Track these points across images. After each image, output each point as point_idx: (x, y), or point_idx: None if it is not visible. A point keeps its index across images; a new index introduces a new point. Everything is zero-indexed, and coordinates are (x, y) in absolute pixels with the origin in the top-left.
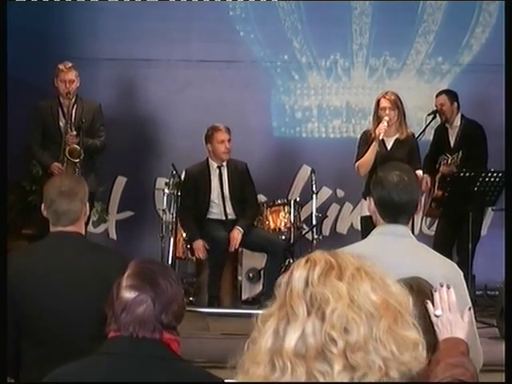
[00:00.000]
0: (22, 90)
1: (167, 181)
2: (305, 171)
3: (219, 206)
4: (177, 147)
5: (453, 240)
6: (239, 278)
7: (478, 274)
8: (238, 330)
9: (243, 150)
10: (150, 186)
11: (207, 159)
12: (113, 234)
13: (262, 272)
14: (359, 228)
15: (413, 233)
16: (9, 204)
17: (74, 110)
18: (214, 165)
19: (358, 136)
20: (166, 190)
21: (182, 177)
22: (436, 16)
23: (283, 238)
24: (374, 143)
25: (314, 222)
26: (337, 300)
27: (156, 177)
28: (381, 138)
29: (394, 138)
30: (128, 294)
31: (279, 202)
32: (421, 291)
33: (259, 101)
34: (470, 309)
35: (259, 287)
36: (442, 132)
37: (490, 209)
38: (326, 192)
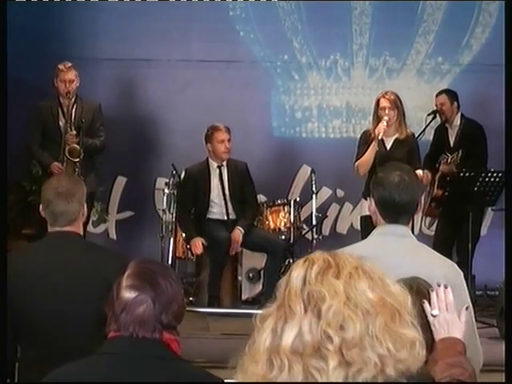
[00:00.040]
0: (22, 90)
1: (167, 181)
2: (305, 171)
3: (219, 206)
4: (177, 147)
5: (453, 240)
6: (239, 278)
7: (478, 274)
8: (238, 330)
9: (243, 149)
10: (150, 186)
11: (207, 159)
12: (113, 234)
13: (262, 272)
14: (359, 228)
15: (413, 233)
16: (9, 204)
17: (73, 110)
18: (213, 164)
19: (358, 136)
20: (166, 190)
21: (182, 176)
22: (436, 16)
23: (283, 238)
24: (373, 143)
25: (314, 222)
26: (333, 297)
27: (156, 177)
28: (380, 137)
29: (394, 138)
30: (128, 294)
31: (279, 202)
32: (420, 291)
33: (259, 101)
34: (466, 308)
35: (259, 287)
36: (441, 131)
37: (489, 209)
38: (325, 192)
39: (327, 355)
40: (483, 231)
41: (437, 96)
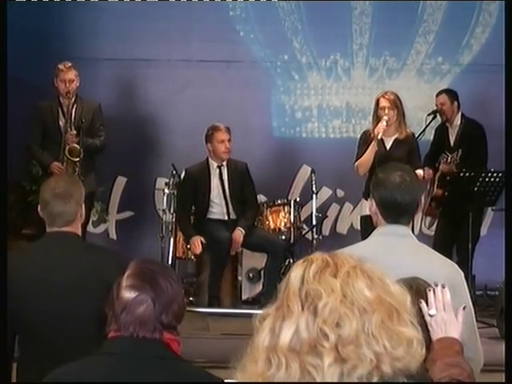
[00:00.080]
0: (22, 90)
1: (167, 181)
2: (305, 171)
3: (220, 206)
4: (177, 147)
5: (453, 240)
6: (239, 277)
7: (478, 274)
8: (238, 330)
9: (243, 149)
10: (150, 186)
11: (207, 159)
12: (113, 234)
13: (262, 272)
14: (359, 228)
15: (412, 233)
16: (9, 204)
17: (73, 110)
18: (214, 164)
19: (358, 136)
20: (166, 190)
21: (182, 176)
22: (436, 16)
23: (283, 238)
24: (372, 143)
25: (314, 222)
26: (329, 295)
27: (156, 177)
28: (379, 137)
29: (394, 138)
30: (128, 294)
31: (279, 202)
32: (419, 291)
33: (259, 101)
34: (464, 308)
35: (259, 287)
36: (442, 131)
37: (489, 209)
38: (326, 192)
39: (323, 352)
40: (483, 231)
41: (437, 96)
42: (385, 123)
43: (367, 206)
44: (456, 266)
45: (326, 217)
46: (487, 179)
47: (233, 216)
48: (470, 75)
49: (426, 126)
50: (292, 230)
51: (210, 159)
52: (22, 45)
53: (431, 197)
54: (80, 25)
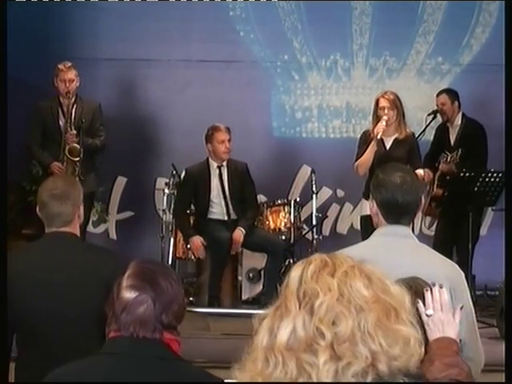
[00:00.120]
0: (22, 90)
1: (167, 181)
2: (305, 171)
3: (220, 206)
4: (177, 147)
5: (453, 240)
6: (239, 278)
7: (478, 274)
8: (238, 330)
9: (243, 149)
10: (150, 186)
11: (207, 159)
12: (113, 234)
13: (262, 272)
14: (359, 228)
15: (412, 233)
16: (9, 204)
17: (73, 110)
18: (214, 165)
19: (358, 136)
20: (166, 190)
21: (182, 176)
22: (436, 16)
23: (283, 238)
24: (372, 143)
25: (314, 222)
26: (325, 294)
27: (156, 177)
28: (379, 137)
29: (393, 138)
30: (128, 294)
31: (279, 202)
32: (418, 291)
33: (259, 101)
34: (461, 308)
35: (259, 287)
36: (442, 131)
37: (489, 209)
38: (326, 192)
39: (318, 350)
40: (483, 231)
41: (437, 96)
42: (384, 123)
43: (367, 206)
44: (456, 266)
45: (326, 217)
46: (487, 179)
47: (233, 216)
48: (470, 75)
49: (426, 126)
50: (292, 230)
51: (210, 159)
52: (22, 45)
53: (431, 197)
54: (80, 25)
